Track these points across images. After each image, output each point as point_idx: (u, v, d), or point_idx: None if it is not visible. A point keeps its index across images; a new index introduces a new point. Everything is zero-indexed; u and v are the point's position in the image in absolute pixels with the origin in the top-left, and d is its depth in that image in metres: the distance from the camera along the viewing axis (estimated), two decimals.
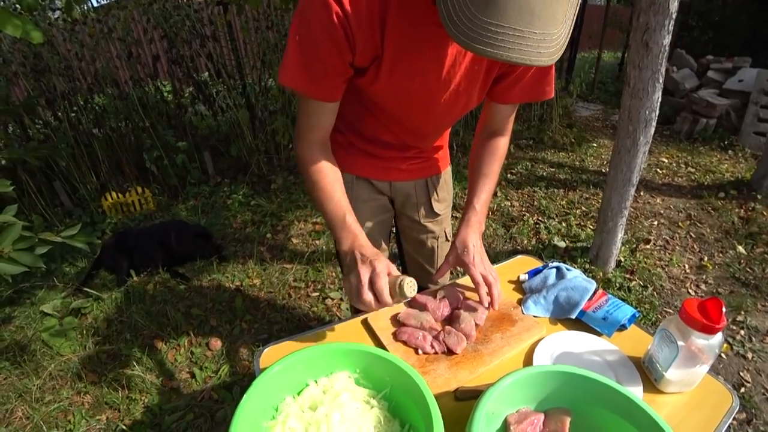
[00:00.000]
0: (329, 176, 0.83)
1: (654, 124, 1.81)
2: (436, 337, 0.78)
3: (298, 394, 0.63)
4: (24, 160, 2.43)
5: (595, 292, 0.90)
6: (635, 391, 0.69)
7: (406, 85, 0.77)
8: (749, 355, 1.80)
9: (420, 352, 0.77)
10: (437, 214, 1.13)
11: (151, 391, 1.70)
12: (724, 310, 0.65)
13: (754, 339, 1.88)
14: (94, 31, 3.29)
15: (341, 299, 2.17)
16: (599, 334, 0.83)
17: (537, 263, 1.05)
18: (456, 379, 0.71)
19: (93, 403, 1.67)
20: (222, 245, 2.59)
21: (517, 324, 0.83)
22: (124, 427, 1.56)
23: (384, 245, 1.14)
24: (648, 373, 0.75)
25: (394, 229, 1.23)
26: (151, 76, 3.51)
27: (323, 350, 0.64)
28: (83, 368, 1.81)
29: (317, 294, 2.23)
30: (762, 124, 3.75)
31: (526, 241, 2.64)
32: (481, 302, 0.84)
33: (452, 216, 1.25)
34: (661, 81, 1.69)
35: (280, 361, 0.61)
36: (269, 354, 0.79)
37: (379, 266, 0.70)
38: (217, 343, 1.91)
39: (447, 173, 1.14)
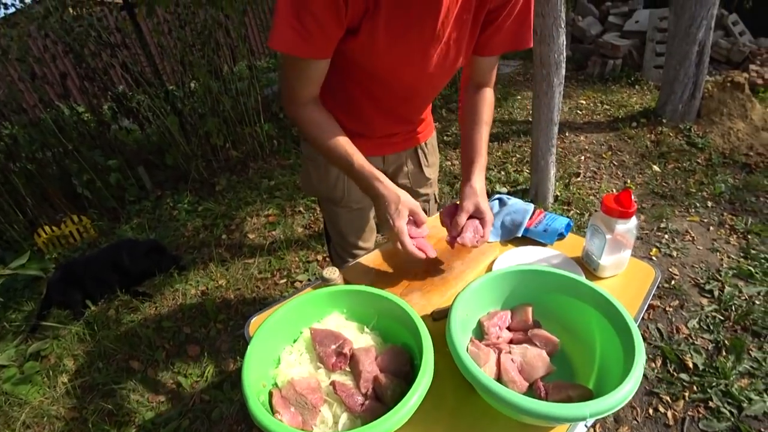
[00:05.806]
0: (328, 131, 0.86)
1: (563, 65, 1.99)
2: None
3: (295, 341, 0.69)
4: None
5: (534, 211, 1.02)
6: None
7: (401, 40, 0.77)
8: (674, 253, 2.07)
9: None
10: (428, 178, 1.21)
11: (139, 410, 1.67)
12: (633, 197, 0.78)
13: (676, 240, 2.17)
14: None
15: (309, 280, 2.22)
16: (543, 245, 0.96)
17: None
18: (430, 304, 0.80)
19: None
20: (178, 255, 2.52)
21: (472, 250, 0.93)
22: None
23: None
24: (587, 265, 0.88)
25: None
26: (64, 96, 3.27)
27: (311, 296, 0.70)
28: (59, 408, 1.73)
29: (284, 280, 2.27)
30: (659, 58, 4.15)
31: None
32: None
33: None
34: (563, 26, 1.85)
35: (273, 314, 0.66)
36: (257, 322, 0.83)
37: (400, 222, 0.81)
38: (195, 349, 1.90)
39: (433, 138, 1.21)
